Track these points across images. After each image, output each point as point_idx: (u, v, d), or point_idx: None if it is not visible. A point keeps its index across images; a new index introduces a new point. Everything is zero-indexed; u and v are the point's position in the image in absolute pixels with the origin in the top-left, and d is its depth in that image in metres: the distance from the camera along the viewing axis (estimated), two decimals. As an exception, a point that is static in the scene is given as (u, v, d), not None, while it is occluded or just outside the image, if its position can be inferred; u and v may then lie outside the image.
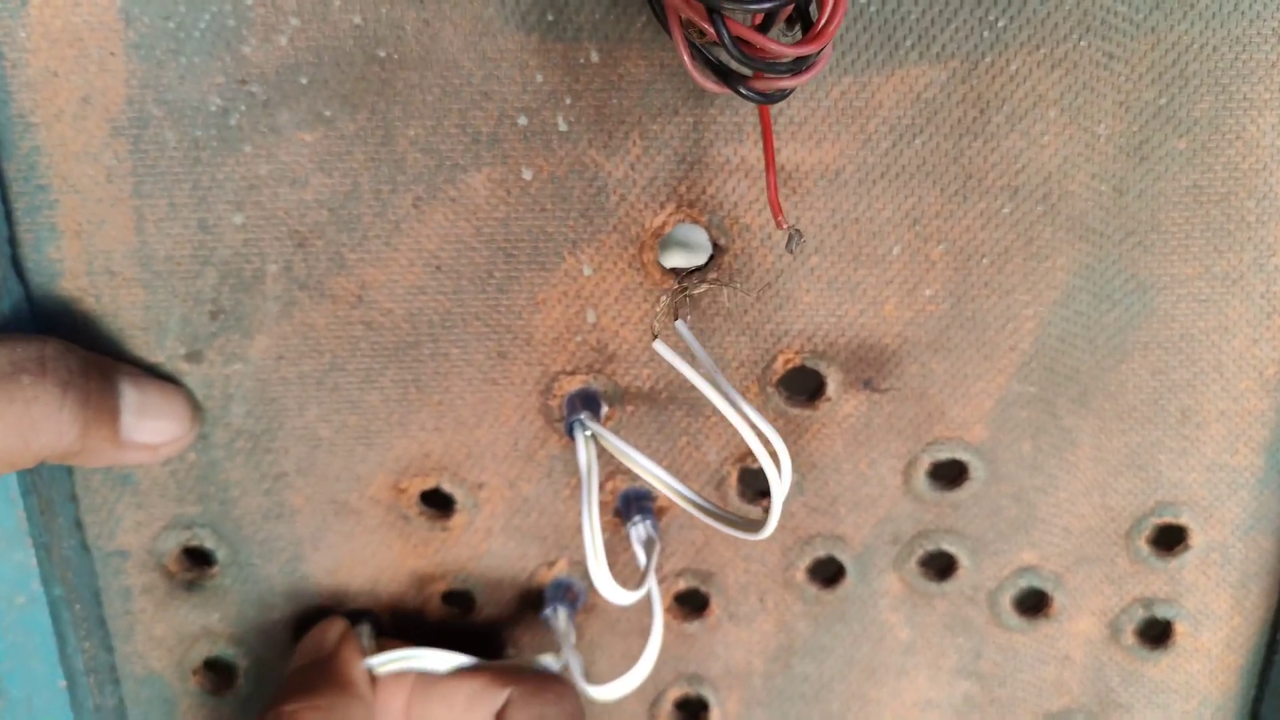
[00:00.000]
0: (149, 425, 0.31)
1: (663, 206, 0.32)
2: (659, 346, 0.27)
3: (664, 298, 0.31)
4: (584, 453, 0.32)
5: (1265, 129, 0.31)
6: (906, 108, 0.31)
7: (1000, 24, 0.30)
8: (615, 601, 0.31)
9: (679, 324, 0.27)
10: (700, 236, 0.32)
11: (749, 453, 0.35)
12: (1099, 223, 0.32)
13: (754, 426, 0.27)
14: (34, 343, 0.29)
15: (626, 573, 0.37)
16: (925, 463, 0.35)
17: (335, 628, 0.35)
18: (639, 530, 0.35)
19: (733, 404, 0.27)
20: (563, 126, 0.31)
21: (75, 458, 0.30)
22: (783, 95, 0.26)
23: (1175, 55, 0.31)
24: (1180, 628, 0.38)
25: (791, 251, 0.30)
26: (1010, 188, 0.32)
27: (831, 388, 0.34)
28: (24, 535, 0.32)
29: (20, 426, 0.28)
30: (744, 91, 0.26)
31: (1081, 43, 0.30)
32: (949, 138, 0.31)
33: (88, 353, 0.31)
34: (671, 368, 0.33)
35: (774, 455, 0.27)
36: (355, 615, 0.37)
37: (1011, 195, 0.32)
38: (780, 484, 0.27)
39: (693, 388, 0.33)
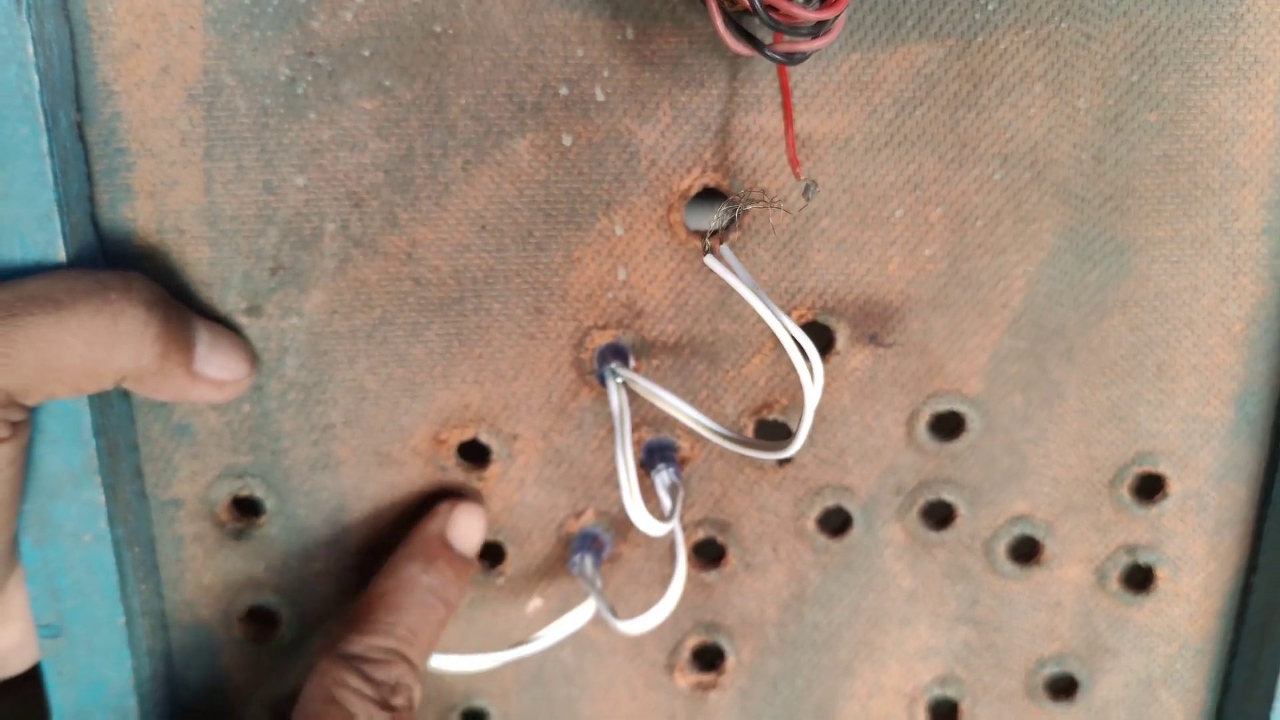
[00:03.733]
0: (218, 361, 0.34)
1: (689, 171, 0.35)
2: (710, 261, 0.30)
3: (715, 218, 0.34)
4: (616, 397, 0.35)
5: (1225, 104, 0.35)
6: (908, 81, 0.34)
7: (990, 6, 0.34)
8: (647, 531, 0.34)
9: (724, 248, 0.30)
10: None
11: (764, 405, 0.38)
12: (1080, 188, 0.36)
13: (792, 335, 0.30)
14: (119, 272, 0.32)
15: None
16: (926, 415, 0.38)
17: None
18: (663, 477, 0.38)
19: (774, 314, 0.30)
20: (600, 97, 0.34)
21: (150, 380, 0.32)
22: (803, 57, 0.30)
23: (1145, 36, 0.34)
24: (1161, 573, 0.40)
25: (808, 199, 0.33)
26: (1001, 155, 0.35)
27: (840, 342, 0.37)
28: (93, 474, 0.34)
29: (107, 339, 0.30)
30: (769, 53, 0.29)
31: (1063, 24, 0.34)
32: (946, 109, 0.35)
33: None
34: (694, 322, 0.36)
35: (808, 364, 0.30)
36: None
37: (1002, 162, 0.35)
38: (813, 389, 0.30)
39: (713, 341, 0.36)
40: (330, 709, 0.33)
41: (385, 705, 0.33)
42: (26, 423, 0.32)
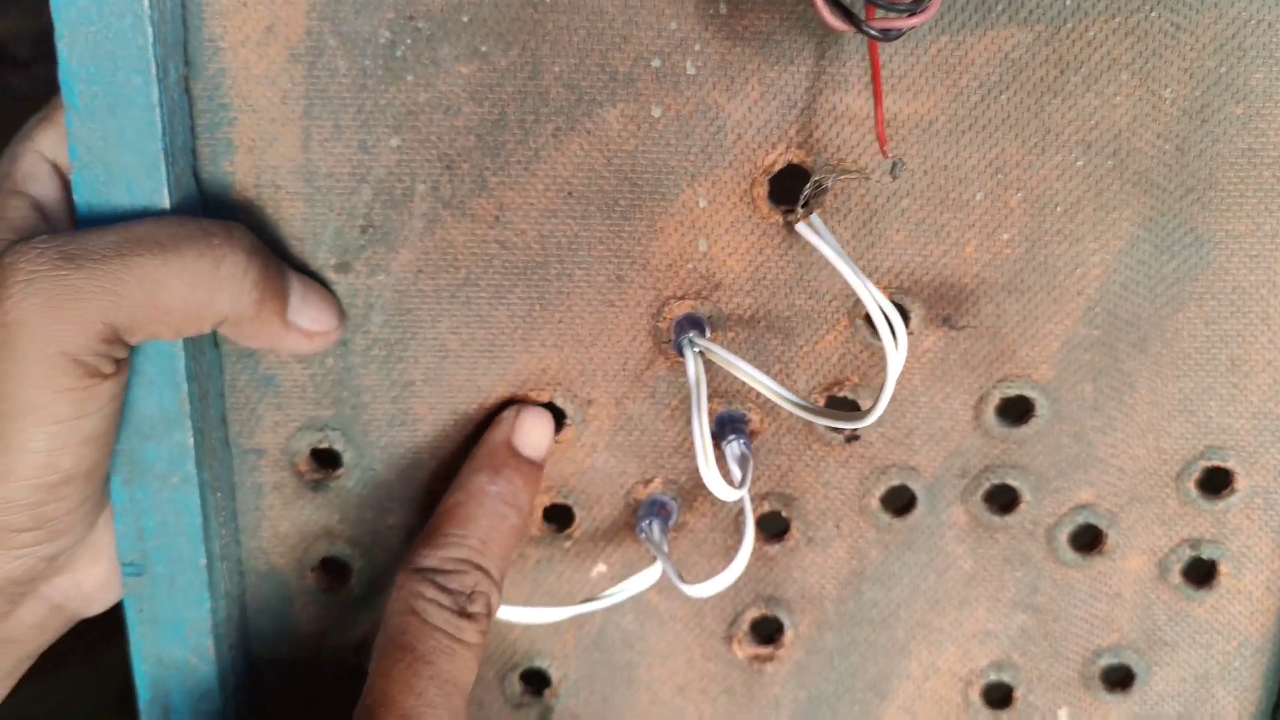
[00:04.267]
0: (310, 313, 0.35)
1: (774, 147, 0.35)
2: (803, 229, 0.30)
3: (808, 187, 0.34)
4: (693, 366, 0.36)
5: (1314, 99, 0.35)
6: (995, 66, 0.35)
7: (1082, -7, 0.34)
8: (720, 495, 0.34)
9: (813, 218, 0.30)
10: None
11: (835, 382, 0.39)
12: (1162, 178, 0.36)
13: (878, 303, 0.30)
14: (221, 220, 0.33)
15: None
16: (995, 399, 0.39)
17: None
18: (734, 448, 0.38)
19: (862, 282, 0.30)
20: (691, 70, 0.35)
21: (247, 325, 0.33)
22: (899, 34, 0.30)
23: (1235, 29, 0.34)
24: (1224, 569, 0.41)
25: (894, 177, 0.33)
26: (1084, 142, 0.35)
27: (914, 323, 0.38)
28: (184, 418, 0.36)
29: (209, 282, 0.32)
30: (867, 28, 0.30)
31: (1153, 13, 0.34)
32: (1031, 94, 0.35)
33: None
34: (770, 296, 0.37)
35: (893, 332, 0.30)
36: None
37: (1085, 150, 0.36)
38: (897, 358, 0.30)
39: (789, 316, 0.37)
40: (410, 620, 0.34)
41: (464, 613, 0.34)
42: (127, 362, 0.33)
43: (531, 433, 0.38)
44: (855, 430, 0.39)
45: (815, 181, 0.34)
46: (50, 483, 0.32)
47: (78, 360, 0.31)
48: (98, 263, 0.31)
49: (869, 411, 0.32)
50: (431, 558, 0.35)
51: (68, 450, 0.32)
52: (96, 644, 0.39)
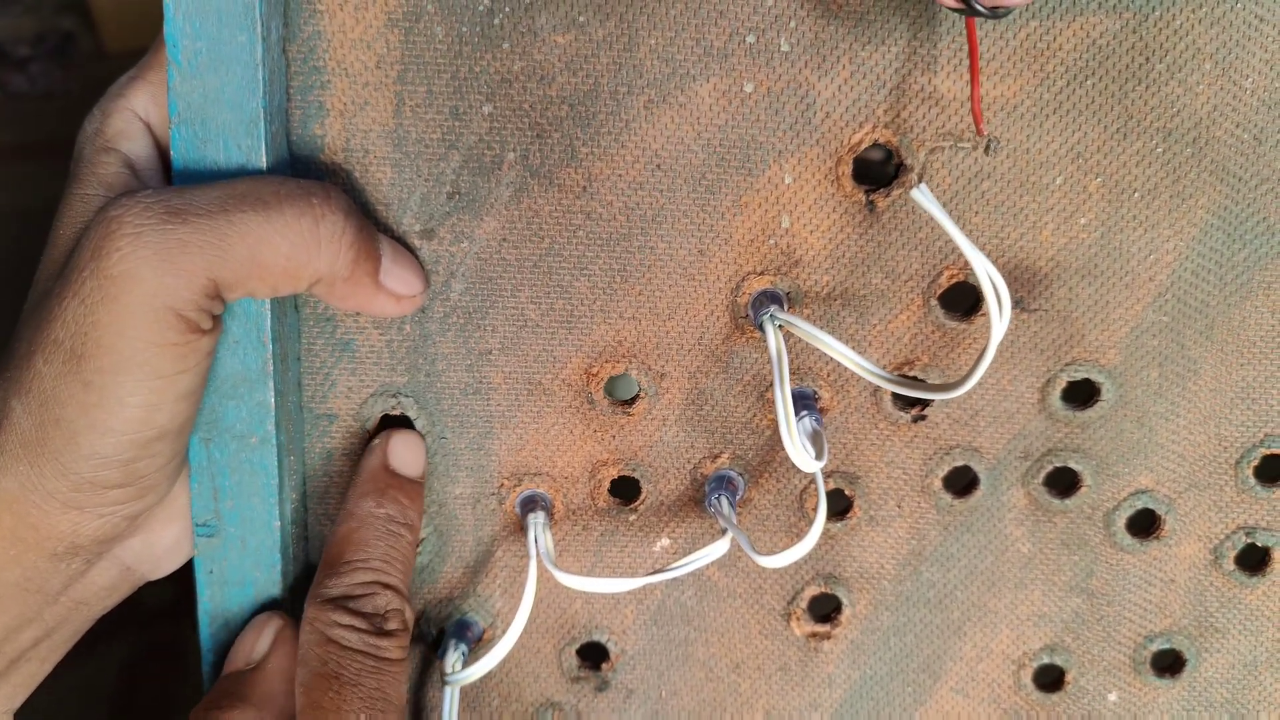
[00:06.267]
0: (399, 275, 0.35)
1: (861, 126, 0.36)
2: (918, 194, 0.31)
3: (921, 154, 0.35)
4: (774, 340, 0.36)
5: (1387, 95, 0.36)
6: (1082, 52, 0.35)
7: (1169, -17, 0.35)
8: (801, 466, 0.35)
9: (922, 186, 0.31)
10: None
11: (906, 361, 0.39)
12: (1239, 168, 0.37)
13: (987, 270, 0.31)
14: (318, 180, 0.33)
15: (784, 468, 0.40)
16: (1062, 382, 0.39)
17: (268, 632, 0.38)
18: (805, 424, 0.39)
19: (972, 248, 0.31)
20: (785, 47, 0.35)
21: (340, 285, 0.33)
22: (1007, 11, 0.31)
23: (1315, 24, 0.35)
24: (1277, 556, 0.41)
25: (990, 155, 0.34)
26: (1164, 130, 0.36)
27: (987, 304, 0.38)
28: (268, 378, 0.36)
29: (309, 241, 0.32)
30: (977, 6, 0.30)
31: (1237, 5, 0.35)
32: (1116, 81, 0.36)
33: None
34: (848, 274, 0.37)
35: (997, 296, 0.31)
36: (529, 503, 0.40)
37: (1165, 137, 0.36)
38: (1000, 325, 0.31)
39: (864, 294, 0.37)
40: (330, 650, 0.34)
41: (382, 632, 0.35)
42: (220, 320, 0.33)
43: (404, 454, 0.38)
44: (924, 410, 0.40)
45: (932, 149, 0.34)
46: (145, 438, 0.32)
47: (181, 315, 0.31)
48: (203, 218, 0.31)
49: (964, 380, 0.33)
50: (338, 586, 0.35)
51: (164, 406, 0.32)
52: (84, 647, 0.38)
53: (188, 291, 0.30)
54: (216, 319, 0.33)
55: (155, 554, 0.37)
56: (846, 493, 0.41)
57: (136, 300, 0.30)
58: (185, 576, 0.39)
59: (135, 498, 0.33)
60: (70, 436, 0.31)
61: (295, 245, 0.32)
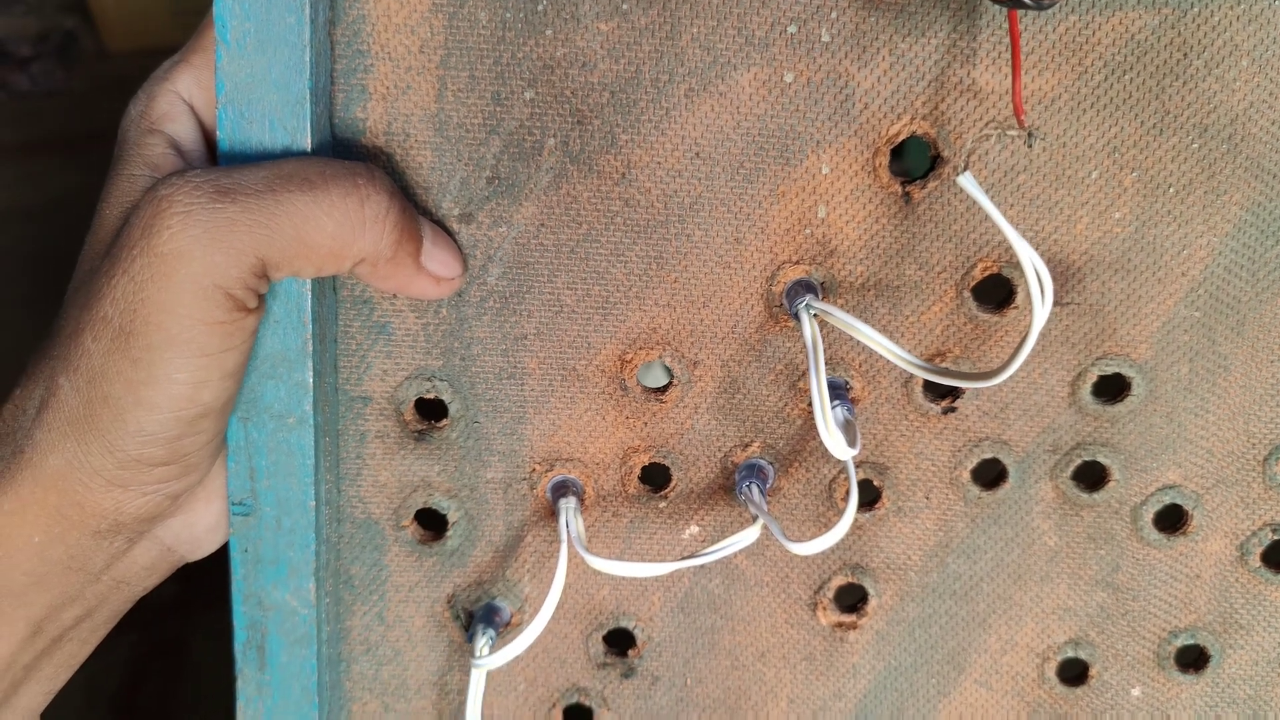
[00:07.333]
0: (440, 257, 0.35)
1: (900, 117, 0.36)
2: (965, 180, 0.31)
3: (969, 141, 0.35)
4: (809, 328, 0.36)
5: None
6: (1120, 47, 0.36)
7: (1209, -20, 0.35)
8: (836, 453, 0.35)
9: (967, 174, 0.31)
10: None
11: (938, 353, 0.39)
12: (1273, 164, 0.37)
13: (1030, 257, 0.31)
14: (361, 162, 0.34)
15: (814, 457, 0.41)
16: (1092, 376, 0.40)
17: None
18: (837, 414, 0.39)
19: (1016, 235, 0.31)
20: (825, 38, 0.35)
21: (383, 266, 0.34)
22: (1053, 3, 0.31)
23: (1353, 22, 0.36)
24: (1303, 553, 0.42)
25: (1030, 146, 0.34)
26: (1201, 126, 0.36)
27: (1020, 297, 0.38)
28: (307, 359, 0.36)
29: (355, 220, 0.32)
30: (1021, -2, 0.31)
31: (1275, 2, 0.35)
32: (1153, 76, 0.36)
33: None
34: (883, 265, 0.37)
35: (1040, 284, 0.31)
36: (561, 488, 0.40)
37: (1201, 133, 0.36)
38: (1042, 311, 0.31)
39: (898, 285, 0.38)
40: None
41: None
42: (264, 299, 0.34)
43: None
44: (954, 402, 0.40)
45: (980, 136, 0.35)
46: (190, 416, 0.32)
47: (229, 293, 0.31)
48: (251, 197, 0.31)
49: (1002, 368, 0.33)
50: None
51: (209, 384, 0.32)
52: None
53: (236, 270, 0.31)
54: (261, 298, 0.33)
55: (195, 534, 0.37)
56: (875, 483, 0.41)
57: (186, 278, 0.30)
58: (187, 576, 0.39)
59: (178, 476, 0.33)
60: (118, 413, 0.31)
61: (341, 225, 0.32)
